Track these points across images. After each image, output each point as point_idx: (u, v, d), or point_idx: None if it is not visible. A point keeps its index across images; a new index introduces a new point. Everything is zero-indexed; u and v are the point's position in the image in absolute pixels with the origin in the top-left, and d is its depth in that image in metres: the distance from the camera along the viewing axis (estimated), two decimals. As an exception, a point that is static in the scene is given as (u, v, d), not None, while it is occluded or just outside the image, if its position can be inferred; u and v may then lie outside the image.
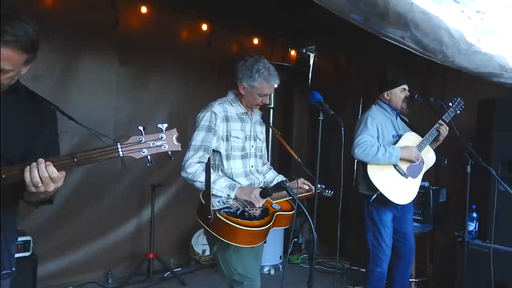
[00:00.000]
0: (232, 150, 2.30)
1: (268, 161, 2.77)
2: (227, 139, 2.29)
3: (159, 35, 4.11)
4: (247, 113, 2.39)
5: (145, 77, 4.14)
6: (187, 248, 4.33)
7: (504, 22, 2.50)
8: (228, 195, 2.20)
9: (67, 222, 3.68)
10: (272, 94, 4.61)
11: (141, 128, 1.33)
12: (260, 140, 2.50)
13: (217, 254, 2.25)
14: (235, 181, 2.30)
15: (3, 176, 1.27)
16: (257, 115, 2.50)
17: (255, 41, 5.00)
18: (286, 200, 2.40)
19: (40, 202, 1.44)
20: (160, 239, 4.05)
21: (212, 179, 2.11)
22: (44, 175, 1.25)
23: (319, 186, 2.43)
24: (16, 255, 2.89)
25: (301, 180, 2.42)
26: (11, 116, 1.44)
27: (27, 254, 3.04)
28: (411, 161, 2.92)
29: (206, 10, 4.32)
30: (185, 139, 2.27)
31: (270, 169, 2.66)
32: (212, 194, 2.13)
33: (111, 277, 3.84)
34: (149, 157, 1.33)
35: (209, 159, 2.23)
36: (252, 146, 2.42)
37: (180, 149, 1.37)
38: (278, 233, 4.39)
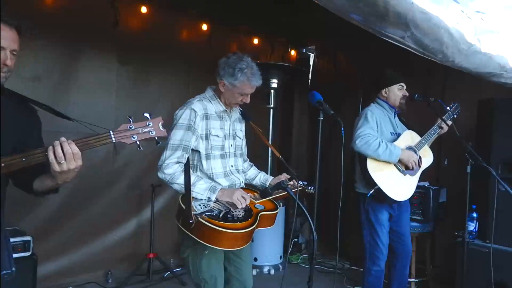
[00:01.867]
0: (212, 150, 2.23)
1: (268, 162, 2.75)
2: (207, 138, 2.21)
3: (159, 35, 4.11)
4: (226, 111, 2.32)
5: (145, 77, 4.15)
6: (187, 248, 4.33)
7: (504, 22, 2.50)
8: (209, 197, 2.12)
9: (67, 222, 3.69)
10: (272, 94, 4.62)
11: (129, 117, 1.46)
12: (240, 138, 2.42)
13: (188, 258, 2.19)
14: (215, 181, 2.23)
15: (3, 165, 1.34)
16: (236, 112, 2.41)
17: (255, 41, 5.00)
18: (269, 199, 2.36)
19: (49, 191, 1.54)
20: (160, 239, 4.04)
21: (191, 181, 2.03)
22: (68, 151, 1.34)
23: (301, 182, 2.38)
24: (16, 255, 2.91)
25: (284, 175, 2.36)
26: (5, 115, 1.49)
27: (27, 254, 3.04)
28: (407, 166, 2.92)
29: (206, 10, 4.33)
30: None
31: (251, 166, 2.60)
32: (192, 197, 2.05)
33: (111, 277, 3.84)
34: (138, 142, 1.46)
35: (188, 159, 2.13)
36: (231, 145, 2.34)
37: (166, 135, 1.52)
38: (278, 233, 4.39)
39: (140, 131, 1.44)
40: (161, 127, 1.48)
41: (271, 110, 4.69)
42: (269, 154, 4.61)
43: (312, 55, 5.44)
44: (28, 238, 3.06)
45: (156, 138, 1.48)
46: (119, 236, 4.05)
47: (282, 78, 4.58)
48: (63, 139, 1.35)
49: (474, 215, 3.28)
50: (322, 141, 2.16)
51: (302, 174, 2.55)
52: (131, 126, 1.44)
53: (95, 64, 3.83)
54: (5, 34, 1.44)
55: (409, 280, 3.57)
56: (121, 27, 3.85)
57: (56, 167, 1.34)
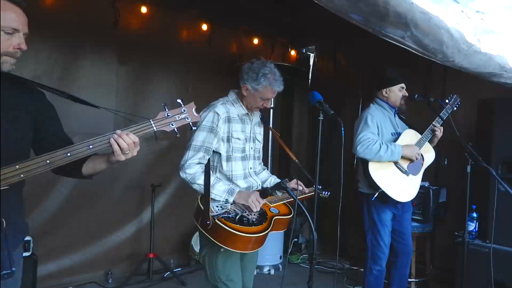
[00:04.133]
0: (233, 152, 2.28)
1: (268, 162, 2.76)
2: (228, 140, 2.27)
3: (159, 35, 4.11)
4: (248, 114, 2.38)
5: (145, 77, 4.14)
6: (187, 248, 4.33)
7: (504, 22, 2.49)
8: (227, 199, 2.17)
9: (67, 222, 3.68)
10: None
11: (163, 104, 1.48)
12: (259, 141, 2.49)
13: (205, 258, 2.26)
14: (234, 183, 2.28)
15: (48, 161, 1.36)
16: (256, 116, 2.48)
17: (255, 41, 5.00)
18: (284, 203, 2.39)
19: (97, 173, 1.64)
20: (160, 239, 4.05)
21: (210, 183, 2.11)
22: (129, 142, 1.41)
23: (315, 186, 2.43)
24: (16, 255, 2.90)
25: (294, 181, 2.40)
26: (18, 101, 1.48)
27: (27, 254, 3.04)
28: (411, 160, 2.93)
29: (206, 10, 4.33)
30: (184, 139, 2.28)
31: (264, 169, 2.64)
32: (211, 198, 2.11)
33: (111, 277, 3.85)
34: (176, 129, 1.48)
35: (208, 160, 2.21)
36: (252, 148, 2.40)
37: (200, 119, 1.57)
38: (278, 233, 4.37)
39: (177, 118, 1.47)
40: (195, 113, 1.50)
41: (271, 110, 4.69)
42: (269, 155, 4.61)
43: (312, 55, 5.45)
44: (28, 238, 3.06)
45: (190, 124, 1.50)
46: (119, 236, 4.05)
47: (282, 78, 4.57)
48: (119, 131, 1.41)
49: (474, 215, 3.29)
50: (322, 141, 2.16)
51: (301, 175, 2.55)
52: (168, 114, 1.46)
53: (95, 64, 3.83)
54: (18, 16, 1.40)
55: (409, 280, 3.58)
56: (121, 27, 3.85)
57: (122, 157, 1.42)
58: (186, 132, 2.35)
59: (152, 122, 1.44)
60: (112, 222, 4.00)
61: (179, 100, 1.49)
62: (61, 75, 3.62)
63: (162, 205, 4.26)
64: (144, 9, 3.99)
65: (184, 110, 1.48)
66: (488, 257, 2.86)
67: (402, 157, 2.89)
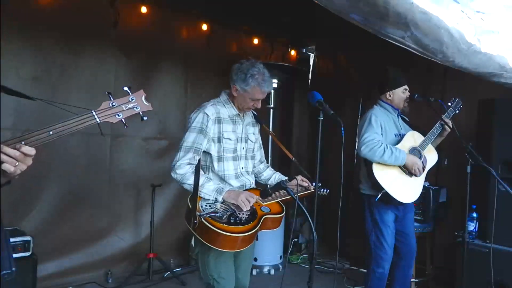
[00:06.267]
0: (224, 152, 2.30)
1: (269, 162, 2.75)
2: (219, 141, 2.29)
3: (159, 35, 4.11)
4: (239, 115, 2.38)
5: (144, 77, 4.14)
6: (187, 248, 4.33)
7: (504, 22, 2.49)
8: (216, 198, 2.19)
9: (67, 222, 3.68)
10: (272, 94, 4.62)
11: (108, 93, 1.34)
12: (252, 141, 2.49)
13: (198, 256, 2.29)
14: (227, 182, 2.30)
15: None
16: (249, 116, 2.48)
17: (255, 41, 5.00)
18: (277, 202, 2.39)
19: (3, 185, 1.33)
20: (160, 239, 4.04)
21: (200, 182, 2.13)
22: (16, 155, 1.17)
23: (314, 185, 2.44)
24: (16, 255, 2.91)
25: (300, 177, 2.42)
26: None
27: (27, 254, 3.04)
28: (410, 172, 2.91)
29: (206, 10, 4.33)
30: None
31: (268, 167, 2.66)
32: (200, 197, 2.13)
33: (111, 277, 3.84)
34: (123, 120, 1.35)
35: (199, 161, 2.23)
36: (243, 148, 2.41)
37: (152, 109, 1.39)
38: (278, 233, 4.39)
39: (124, 108, 1.33)
40: (144, 101, 1.37)
41: (271, 110, 4.69)
42: (269, 155, 4.61)
43: (312, 55, 5.45)
44: (28, 238, 3.07)
45: (141, 113, 1.37)
46: (119, 236, 4.05)
47: (282, 78, 4.58)
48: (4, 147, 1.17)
49: (474, 215, 3.29)
50: (322, 141, 2.16)
51: (302, 172, 2.55)
52: (113, 103, 1.31)
53: (94, 64, 3.82)
54: None
55: (408, 280, 3.58)
56: (121, 27, 3.85)
57: (12, 170, 1.18)
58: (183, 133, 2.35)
59: (94, 113, 1.29)
60: (112, 222, 4.00)
61: (126, 88, 1.35)
62: (60, 75, 3.61)
63: (162, 205, 4.26)
64: (144, 9, 3.99)
65: (132, 99, 1.34)
66: (488, 257, 2.86)
67: (404, 166, 2.89)
